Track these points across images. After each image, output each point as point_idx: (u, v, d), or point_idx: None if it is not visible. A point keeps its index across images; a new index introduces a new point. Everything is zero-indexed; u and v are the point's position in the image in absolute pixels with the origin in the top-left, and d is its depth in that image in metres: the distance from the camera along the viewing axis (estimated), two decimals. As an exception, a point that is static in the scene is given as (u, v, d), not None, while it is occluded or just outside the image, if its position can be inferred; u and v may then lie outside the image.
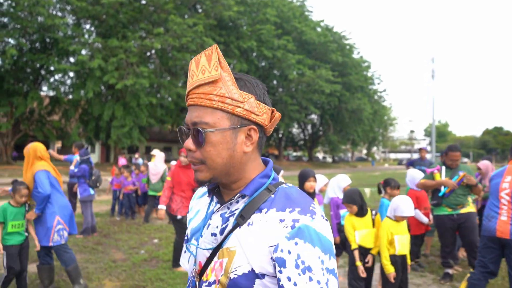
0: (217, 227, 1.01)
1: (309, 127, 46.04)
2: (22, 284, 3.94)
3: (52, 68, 25.00)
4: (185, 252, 1.23)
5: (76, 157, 7.36)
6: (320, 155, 64.13)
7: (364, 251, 3.73)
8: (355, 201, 3.69)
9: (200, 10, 28.40)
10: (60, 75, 26.27)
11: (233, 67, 26.80)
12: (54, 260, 4.46)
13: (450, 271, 4.93)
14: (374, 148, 67.29)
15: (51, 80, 26.76)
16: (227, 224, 0.99)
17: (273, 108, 1.02)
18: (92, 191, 7.02)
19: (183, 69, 26.21)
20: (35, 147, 4.14)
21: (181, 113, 29.71)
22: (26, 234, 3.98)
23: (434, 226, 5.90)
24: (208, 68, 0.95)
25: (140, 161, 13.49)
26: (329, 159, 58.69)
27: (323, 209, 3.86)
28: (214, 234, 1.01)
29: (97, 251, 5.99)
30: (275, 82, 35.14)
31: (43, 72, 26.06)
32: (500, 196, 3.70)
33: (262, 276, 0.91)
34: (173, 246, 5.25)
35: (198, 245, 1.05)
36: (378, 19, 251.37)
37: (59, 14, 24.53)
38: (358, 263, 3.62)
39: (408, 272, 3.79)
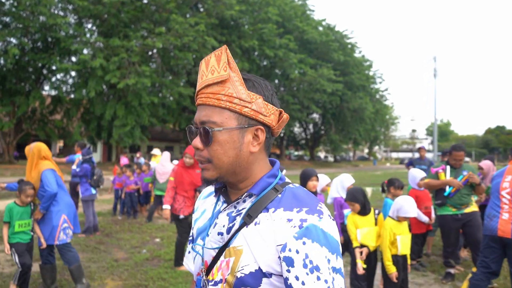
0: (223, 226, 1.02)
1: (310, 126, 46.01)
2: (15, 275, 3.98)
3: (54, 68, 25.06)
4: (189, 252, 1.23)
5: (78, 157, 7.37)
6: (321, 155, 64.09)
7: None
8: (357, 199, 3.69)
9: (201, 9, 28.39)
10: (62, 74, 26.30)
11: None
12: (56, 259, 4.47)
13: (452, 270, 4.93)
14: (376, 147, 67.23)
15: (53, 79, 26.82)
16: (234, 223, 1.00)
17: (281, 110, 1.03)
18: (93, 191, 7.04)
19: (185, 68, 26.23)
20: (39, 147, 4.18)
21: (183, 113, 29.73)
22: (32, 233, 4.02)
23: (435, 226, 5.89)
24: (217, 68, 0.96)
25: (141, 160, 13.48)
26: (330, 159, 58.64)
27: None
28: (220, 233, 1.02)
29: (99, 250, 6.00)
30: (276, 81, 35.11)
31: (45, 71, 26.10)
32: (501, 195, 3.71)
33: (269, 275, 0.92)
34: (175, 245, 5.26)
35: (204, 244, 1.06)
36: (379, 18, 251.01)
37: (61, 13, 24.58)
38: (358, 261, 3.62)
39: (408, 271, 3.79)
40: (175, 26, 22.94)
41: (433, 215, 5.24)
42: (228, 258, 0.97)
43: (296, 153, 60.45)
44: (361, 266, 3.60)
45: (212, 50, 25.39)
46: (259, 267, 0.92)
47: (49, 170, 4.10)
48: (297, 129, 47.36)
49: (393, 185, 4.77)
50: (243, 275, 0.93)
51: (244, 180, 1.03)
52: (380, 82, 46.34)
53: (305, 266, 0.87)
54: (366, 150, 66.28)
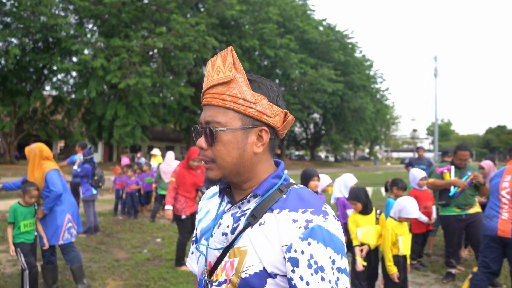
0: (228, 226, 1.02)
1: (311, 126, 46.00)
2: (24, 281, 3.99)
3: (55, 68, 25.08)
4: (192, 253, 1.23)
5: (79, 157, 7.38)
6: (322, 154, 64.06)
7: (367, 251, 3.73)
8: (360, 198, 3.69)
9: (202, 9, 28.39)
10: (62, 74, 26.33)
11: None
12: (58, 259, 4.48)
13: (453, 270, 4.93)
14: (377, 147, 67.17)
15: (54, 79, 26.86)
16: (239, 224, 1.00)
17: (287, 111, 1.03)
18: (94, 191, 7.04)
19: (186, 68, 26.22)
20: (40, 148, 4.19)
21: (184, 113, 29.75)
22: (36, 233, 4.04)
23: (436, 226, 5.89)
24: (222, 69, 0.97)
25: (142, 160, 13.49)
26: (331, 158, 58.61)
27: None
28: (225, 234, 1.02)
29: (100, 251, 6.01)
30: (277, 81, 35.10)
31: (46, 71, 26.13)
32: (500, 195, 3.72)
33: (274, 275, 0.92)
34: (176, 246, 5.27)
35: (208, 245, 1.06)
36: (380, 18, 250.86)
37: (62, 13, 24.59)
38: (358, 258, 3.62)
39: (408, 271, 3.79)
40: (175, 26, 22.94)
41: (433, 215, 5.23)
42: (233, 258, 0.97)
43: (296, 153, 60.42)
44: (360, 263, 3.60)
45: (212, 50, 25.42)
46: (264, 268, 0.92)
47: (54, 171, 4.14)
48: (297, 129, 47.36)
49: (396, 186, 4.77)
50: (247, 275, 0.93)
51: (248, 181, 1.03)
52: (381, 82, 46.36)
53: (309, 266, 0.87)
54: (367, 150, 66.21)
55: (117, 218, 8.79)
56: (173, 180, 5.19)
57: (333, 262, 0.88)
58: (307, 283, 0.87)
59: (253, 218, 0.97)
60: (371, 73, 43.24)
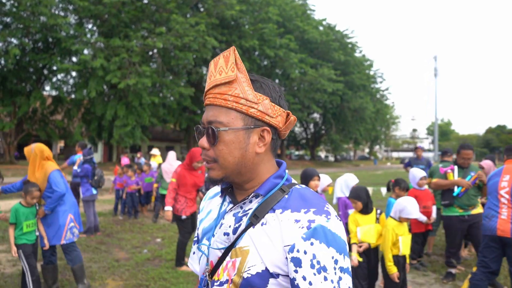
0: (230, 226, 1.02)
1: (311, 126, 45.99)
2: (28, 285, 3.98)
3: (54, 68, 25.05)
4: (193, 253, 1.23)
5: (79, 157, 7.38)
6: (322, 154, 64.05)
7: (367, 250, 3.73)
8: (360, 197, 3.69)
9: (202, 9, 28.38)
10: (62, 74, 26.31)
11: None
12: (58, 259, 4.48)
13: (453, 270, 4.93)
14: (377, 147, 67.18)
15: (54, 79, 26.82)
16: (240, 224, 1.00)
17: (289, 111, 1.04)
18: (94, 191, 7.05)
19: (185, 68, 26.22)
20: (41, 148, 4.20)
21: (183, 113, 29.75)
22: (37, 233, 4.04)
23: (436, 225, 5.90)
24: (225, 69, 0.97)
25: (142, 160, 13.49)
26: (331, 158, 58.61)
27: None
28: (226, 234, 1.02)
29: (100, 251, 6.01)
30: (277, 81, 35.08)
31: (45, 71, 26.11)
32: (499, 195, 3.72)
33: (276, 275, 0.92)
34: (177, 246, 5.27)
35: (210, 244, 1.06)
36: (380, 18, 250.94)
37: (62, 13, 24.57)
38: (353, 254, 3.62)
39: (407, 271, 3.80)
40: (175, 26, 22.94)
41: (433, 215, 5.23)
42: (235, 258, 0.97)
43: (296, 152, 60.42)
44: (355, 258, 3.61)
45: (212, 50, 25.43)
46: (266, 268, 0.92)
47: (57, 171, 4.17)
48: (297, 129, 47.35)
49: (398, 186, 4.77)
50: (249, 275, 0.93)
51: (250, 181, 1.03)
52: (381, 82, 46.31)
53: (312, 266, 0.87)
54: (367, 150, 66.22)
55: (117, 218, 8.79)
56: (174, 181, 5.18)
57: (336, 262, 0.89)
58: (310, 283, 0.87)
59: (255, 218, 0.97)
60: (371, 73, 43.23)
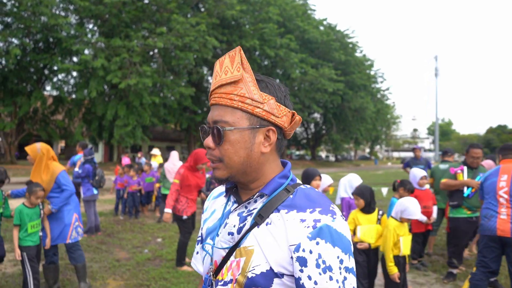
0: (234, 226, 1.02)
1: (312, 126, 45.98)
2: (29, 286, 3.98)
3: (55, 68, 25.08)
4: (197, 253, 1.23)
5: (80, 157, 7.39)
6: (323, 154, 64.05)
7: (366, 249, 3.73)
8: (364, 195, 3.69)
9: (202, 9, 28.39)
10: (63, 74, 26.34)
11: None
12: (59, 259, 4.49)
13: (454, 271, 4.92)
14: (377, 147, 67.16)
15: (55, 79, 26.84)
16: (245, 223, 1.00)
17: (294, 111, 1.04)
18: (95, 191, 7.06)
19: (186, 68, 26.22)
20: (47, 148, 4.21)
21: (184, 113, 29.76)
22: (41, 234, 4.02)
23: (437, 225, 5.89)
24: (230, 69, 0.97)
25: (143, 160, 13.49)
26: (332, 158, 58.62)
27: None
28: (231, 233, 1.02)
29: (101, 250, 6.01)
30: (278, 81, 34.91)
31: (46, 71, 26.13)
32: (498, 195, 3.72)
33: (281, 275, 0.92)
34: (177, 246, 5.27)
35: (214, 244, 1.06)
36: (381, 18, 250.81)
37: (62, 13, 24.59)
38: None
39: (407, 271, 3.80)
40: (176, 26, 22.95)
41: (433, 215, 5.23)
42: (239, 258, 0.97)
43: (297, 152, 60.41)
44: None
45: (213, 50, 25.43)
46: (270, 267, 0.92)
47: (64, 171, 4.23)
48: (298, 129, 47.33)
49: (404, 186, 4.77)
50: (254, 275, 0.93)
51: (255, 181, 1.04)
52: (381, 82, 46.24)
53: (318, 266, 0.88)
54: (368, 150, 66.19)
55: (118, 218, 8.80)
56: (177, 182, 5.10)
57: (341, 261, 0.89)
58: (315, 283, 0.87)
59: (260, 217, 0.97)
60: (372, 72, 43.17)
